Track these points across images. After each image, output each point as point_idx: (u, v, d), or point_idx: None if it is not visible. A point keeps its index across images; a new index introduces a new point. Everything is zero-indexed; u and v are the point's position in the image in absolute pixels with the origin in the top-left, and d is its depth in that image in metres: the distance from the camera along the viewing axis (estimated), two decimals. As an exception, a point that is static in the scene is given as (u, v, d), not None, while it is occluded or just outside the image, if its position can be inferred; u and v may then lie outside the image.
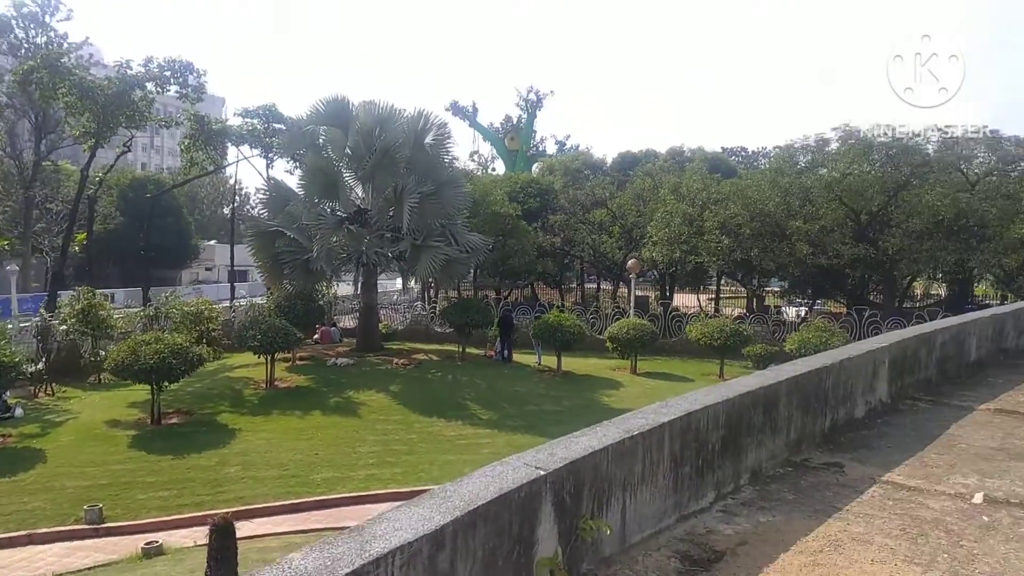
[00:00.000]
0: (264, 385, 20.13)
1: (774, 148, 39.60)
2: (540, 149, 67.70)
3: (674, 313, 32.47)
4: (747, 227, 29.28)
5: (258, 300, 32.08)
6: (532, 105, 64.51)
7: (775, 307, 44.02)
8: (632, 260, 32.64)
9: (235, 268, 41.44)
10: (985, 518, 4.07)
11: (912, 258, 28.57)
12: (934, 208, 27.16)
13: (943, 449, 5.43)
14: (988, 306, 38.98)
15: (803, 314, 39.05)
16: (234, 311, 29.82)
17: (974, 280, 39.83)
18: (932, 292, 51.16)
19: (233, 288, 40.17)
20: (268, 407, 18.53)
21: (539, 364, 24.89)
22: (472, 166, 62.66)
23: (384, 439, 16.38)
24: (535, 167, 61.58)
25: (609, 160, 57.84)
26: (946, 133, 28.95)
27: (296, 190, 24.87)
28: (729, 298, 50.18)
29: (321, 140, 24.23)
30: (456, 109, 65.17)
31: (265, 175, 38.31)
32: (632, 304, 31.89)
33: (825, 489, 4.71)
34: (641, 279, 43.15)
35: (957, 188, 28.70)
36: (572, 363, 24.62)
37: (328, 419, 17.62)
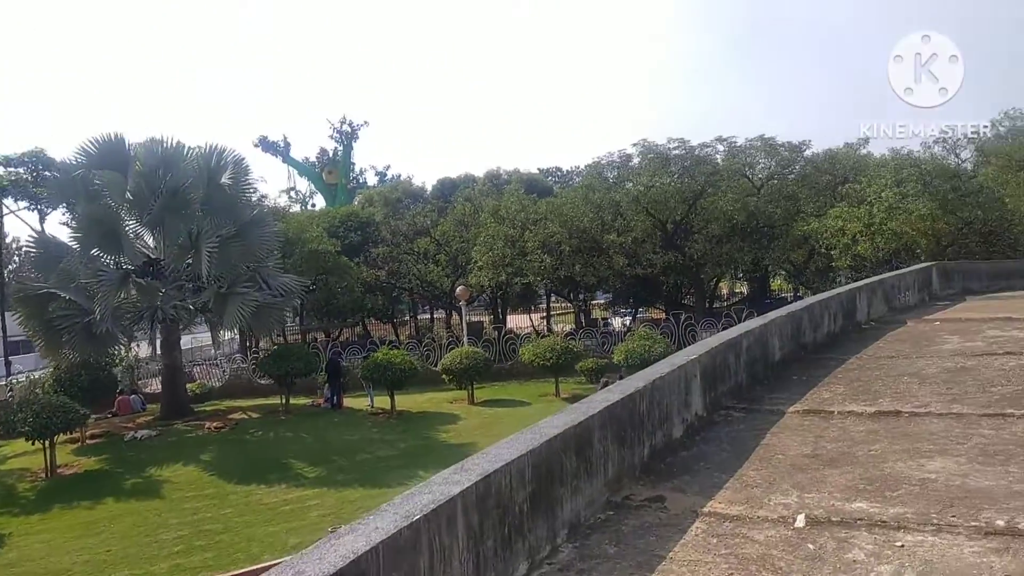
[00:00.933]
0: (44, 475, 17.16)
1: (585, 166, 41.31)
2: (361, 181, 66.08)
3: (508, 336, 32.50)
4: (566, 244, 30.04)
5: (40, 374, 27.84)
6: (347, 137, 62.93)
7: (602, 319, 45.76)
8: (460, 287, 32.30)
9: (12, 339, 35.90)
10: (810, 546, 3.74)
11: (715, 261, 30.76)
12: (728, 213, 29.44)
13: (760, 463, 5.19)
14: (785, 299, 43.05)
15: (628, 323, 40.82)
16: (11, 390, 25.63)
17: (770, 276, 43.83)
18: (737, 291, 55.97)
19: (8, 363, 34.74)
20: (48, 501, 15.75)
21: (371, 407, 23.59)
22: (285, 202, 59.75)
23: (193, 519, 14.38)
24: (356, 199, 59.97)
25: (429, 187, 57.60)
26: (731, 142, 31.60)
27: (70, 244, 21.79)
28: (560, 314, 51.56)
29: (96, 185, 21.43)
30: (266, 145, 61.98)
31: (40, 230, 33.66)
32: (465, 332, 31.48)
33: (648, 532, 4.21)
34: (474, 304, 43.06)
35: (746, 193, 31.37)
36: (408, 401, 23.58)
37: (124, 506, 15.24)
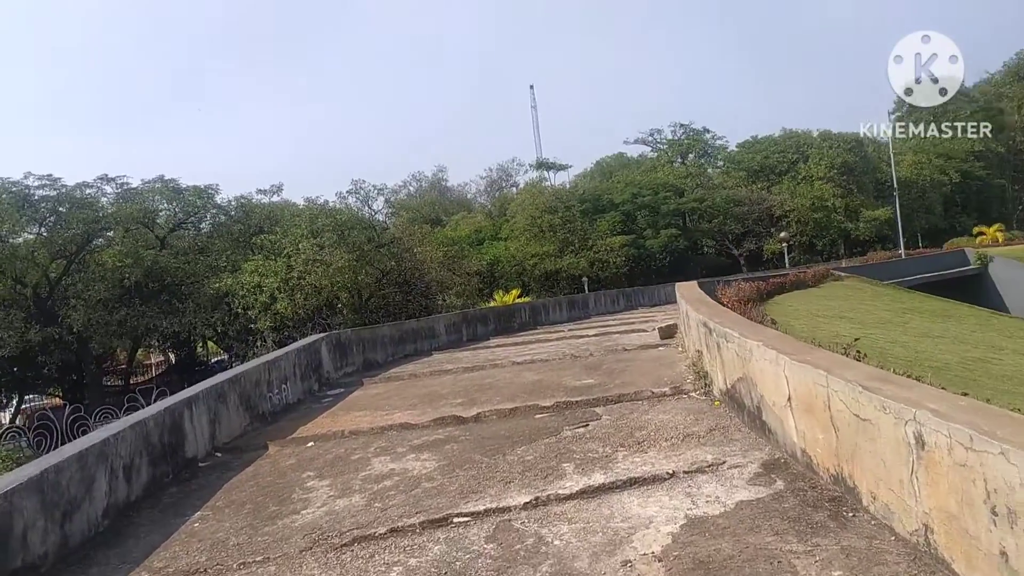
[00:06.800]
0: None
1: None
2: None
3: None
4: None
5: None
6: None
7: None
8: None
9: None
10: None
11: (107, 332, 23.66)
12: (119, 271, 22.90)
13: None
14: (222, 364, 37.71)
15: (11, 419, 30.19)
16: None
17: (198, 341, 38.00)
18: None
19: None
20: None
21: None
22: None
23: None
24: None
25: None
26: (123, 183, 25.15)
27: None
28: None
29: None
30: None
31: None
32: None
33: None
34: None
35: (146, 245, 25.26)
36: None
37: None
